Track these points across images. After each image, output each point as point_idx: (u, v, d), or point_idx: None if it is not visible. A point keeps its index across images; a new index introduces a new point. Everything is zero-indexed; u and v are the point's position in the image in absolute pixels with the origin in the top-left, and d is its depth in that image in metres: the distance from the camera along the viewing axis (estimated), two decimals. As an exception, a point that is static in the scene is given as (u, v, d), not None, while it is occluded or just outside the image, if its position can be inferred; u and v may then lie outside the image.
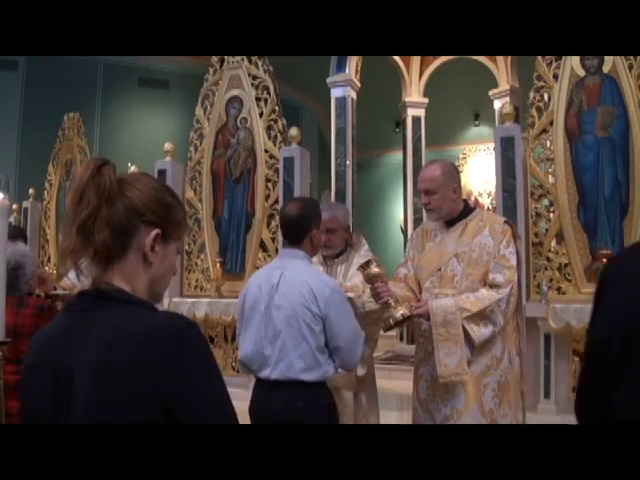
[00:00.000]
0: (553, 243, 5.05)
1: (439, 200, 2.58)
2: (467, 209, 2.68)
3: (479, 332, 2.43)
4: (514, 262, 2.52)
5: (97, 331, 0.94)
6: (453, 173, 2.67)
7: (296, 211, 2.35)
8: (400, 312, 2.43)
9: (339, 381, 2.82)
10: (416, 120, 9.36)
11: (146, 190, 1.03)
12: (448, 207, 2.61)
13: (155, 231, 1.03)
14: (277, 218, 5.84)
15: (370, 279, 2.50)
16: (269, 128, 6.04)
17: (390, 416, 4.94)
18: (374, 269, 2.48)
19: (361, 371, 2.87)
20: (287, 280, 2.22)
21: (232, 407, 0.99)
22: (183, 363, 0.92)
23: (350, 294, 2.83)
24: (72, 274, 3.52)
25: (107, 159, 1.04)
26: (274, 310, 2.21)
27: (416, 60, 9.30)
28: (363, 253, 3.00)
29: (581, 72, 5.00)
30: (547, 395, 4.79)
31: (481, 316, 2.44)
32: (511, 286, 2.48)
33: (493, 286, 2.48)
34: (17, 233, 4.26)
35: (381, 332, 2.93)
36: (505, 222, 2.62)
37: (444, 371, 2.43)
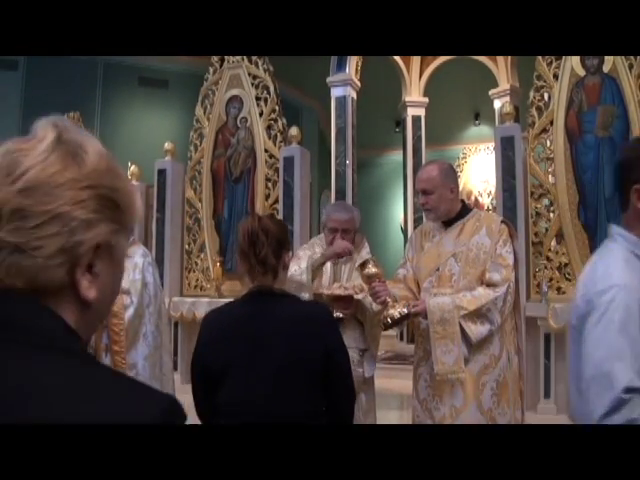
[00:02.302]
0: (553, 243, 5.04)
1: (436, 200, 2.59)
2: (465, 209, 2.68)
3: (476, 330, 2.44)
4: (511, 261, 2.53)
5: (278, 313, 1.75)
6: (450, 173, 2.68)
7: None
8: (398, 310, 2.45)
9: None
10: (416, 120, 9.37)
11: (280, 227, 1.82)
12: (445, 207, 2.61)
13: (290, 252, 1.83)
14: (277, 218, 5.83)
15: (368, 279, 2.51)
16: (269, 128, 6.03)
17: (390, 415, 4.94)
18: (372, 269, 2.49)
19: (369, 372, 2.88)
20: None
21: None
22: (334, 328, 1.87)
23: (359, 295, 2.82)
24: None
25: (258, 213, 1.96)
26: None
27: (416, 60, 9.30)
28: (364, 255, 3.01)
29: (581, 72, 5.00)
30: (547, 395, 4.79)
31: (478, 314, 2.45)
32: (508, 285, 2.48)
33: (490, 285, 2.49)
34: None
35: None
36: (502, 222, 2.63)
37: (441, 369, 2.44)
